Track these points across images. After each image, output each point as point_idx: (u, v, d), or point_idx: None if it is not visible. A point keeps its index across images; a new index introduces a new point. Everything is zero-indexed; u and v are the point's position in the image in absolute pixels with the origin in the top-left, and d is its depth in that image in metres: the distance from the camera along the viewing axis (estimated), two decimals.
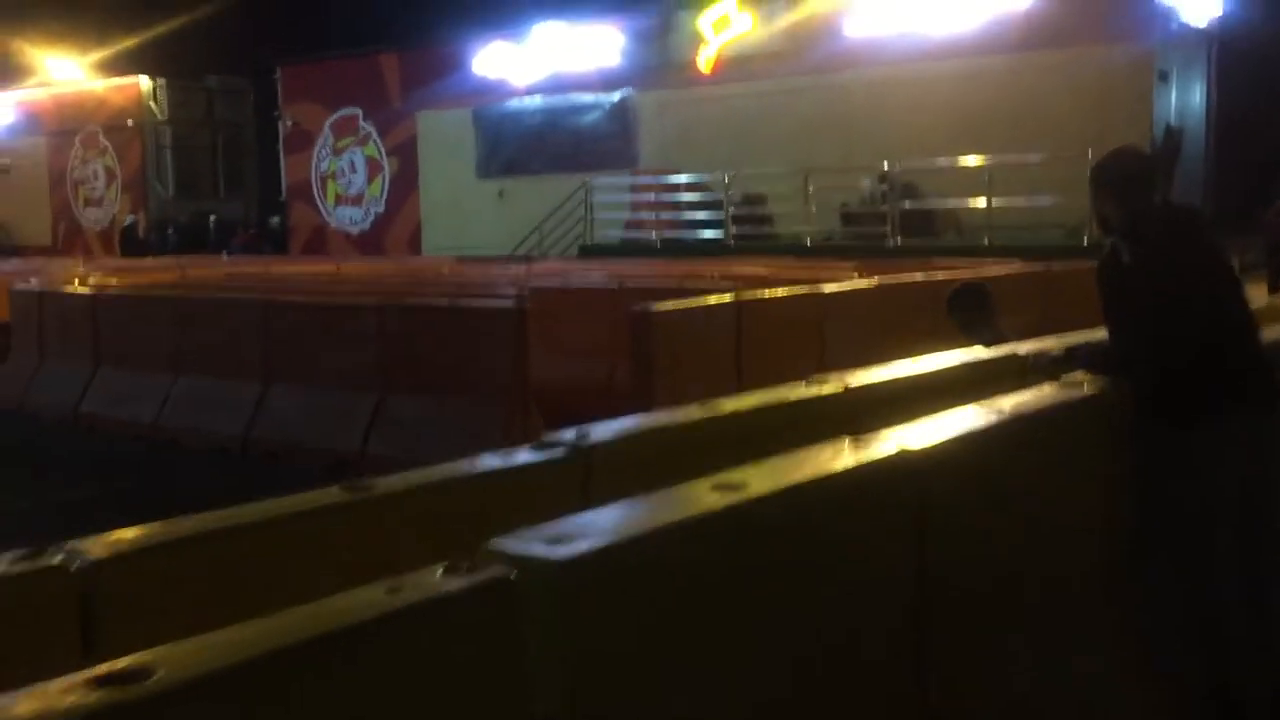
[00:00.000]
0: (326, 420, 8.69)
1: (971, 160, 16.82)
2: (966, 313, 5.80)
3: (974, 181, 16.61)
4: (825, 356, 9.32)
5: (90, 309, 10.58)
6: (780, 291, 9.15)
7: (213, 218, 28.77)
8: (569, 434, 2.96)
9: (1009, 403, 3.31)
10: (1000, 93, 17.80)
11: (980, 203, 16.38)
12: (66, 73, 32.79)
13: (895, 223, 17.17)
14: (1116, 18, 17.10)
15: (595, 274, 13.11)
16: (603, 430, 3.03)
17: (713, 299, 8.41)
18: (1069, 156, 15.36)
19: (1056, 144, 16.05)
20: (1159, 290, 3.57)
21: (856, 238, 18.12)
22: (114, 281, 12.87)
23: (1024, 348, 4.78)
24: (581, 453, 2.89)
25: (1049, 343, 4.52)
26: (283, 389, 9.08)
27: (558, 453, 2.86)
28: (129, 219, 27.93)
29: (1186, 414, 3.57)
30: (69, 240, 32.09)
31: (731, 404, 3.60)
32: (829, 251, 16.74)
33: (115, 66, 32.05)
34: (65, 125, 32.05)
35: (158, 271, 16.15)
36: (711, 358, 8.20)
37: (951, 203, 17.39)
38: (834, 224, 18.83)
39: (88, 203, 31.85)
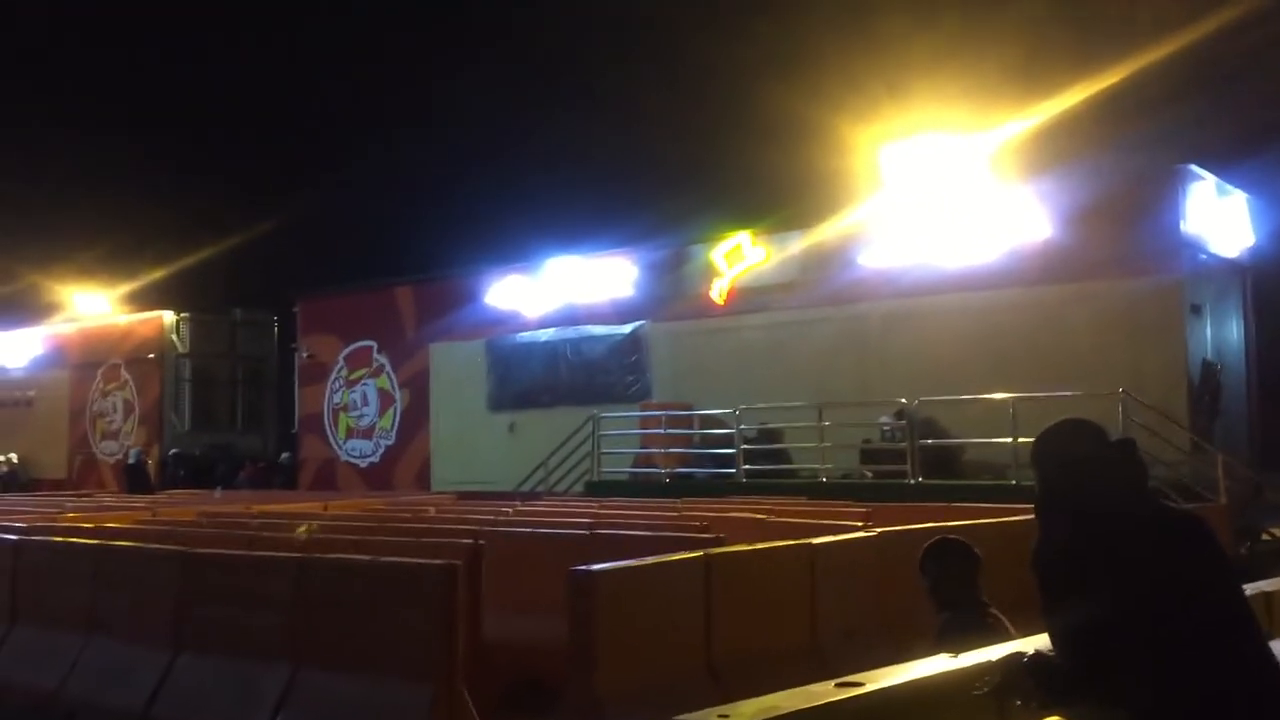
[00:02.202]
0: (233, 696, 7.51)
1: (996, 396, 15.80)
2: (938, 574, 4.89)
3: (999, 418, 15.51)
4: (818, 621, 8.12)
5: (11, 557, 9.60)
6: (760, 546, 8.01)
7: (170, 452, 28.01)
8: None
9: None
10: (1023, 326, 17.00)
11: (1006, 440, 15.23)
12: (94, 307, 33.16)
13: (916, 461, 16.02)
14: (1140, 249, 16.40)
15: (579, 516, 12.04)
16: None
17: (677, 556, 7.29)
18: (1101, 394, 14.41)
19: (1086, 379, 15.06)
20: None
21: (876, 476, 16.98)
22: (63, 522, 11.98)
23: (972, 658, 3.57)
24: None
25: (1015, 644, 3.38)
26: (191, 658, 7.94)
27: None
28: (134, 453, 27.39)
29: None
30: (84, 473, 31.63)
31: None
32: (846, 491, 15.59)
33: (144, 300, 32.42)
34: (89, 359, 32.12)
35: (132, 510, 15.25)
36: (673, 626, 7.03)
37: (976, 440, 16.24)
38: (853, 461, 17.74)
39: (105, 435, 31.53)
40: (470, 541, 8.48)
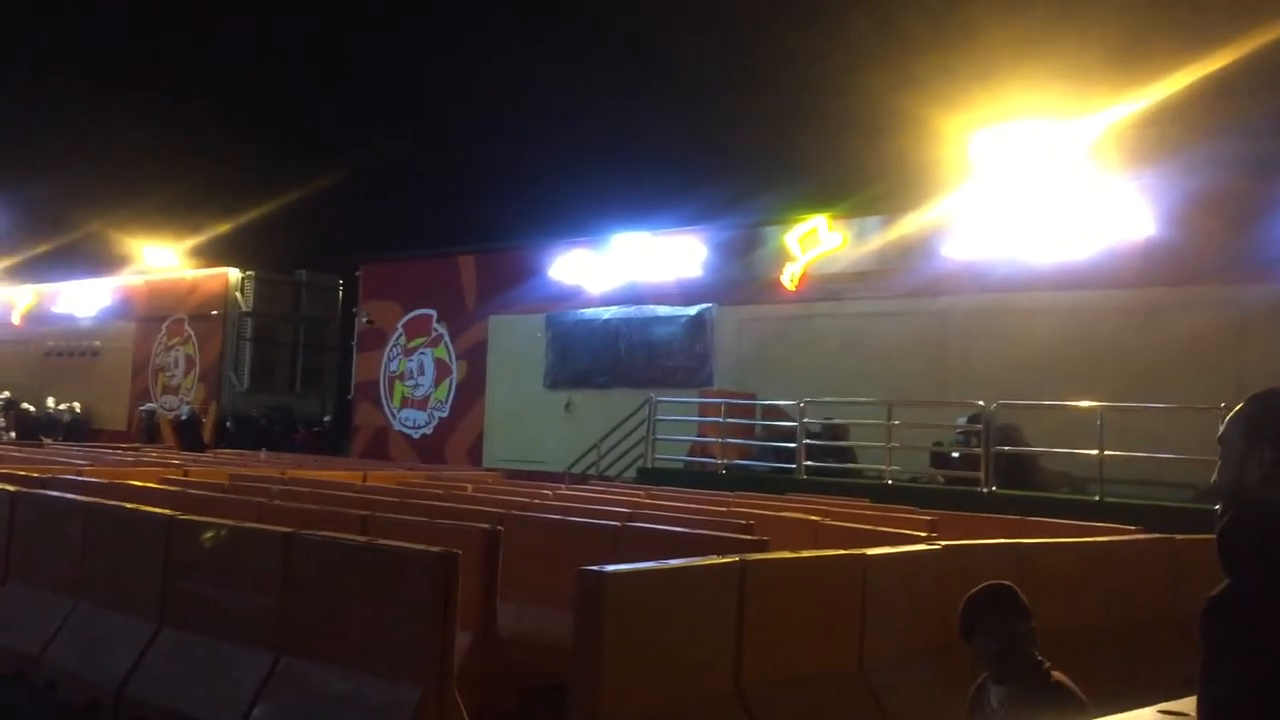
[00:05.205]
0: (209, 680, 6.79)
1: (1082, 404, 14.60)
2: (1006, 634, 3.87)
3: (1085, 428, 14.33)
4: (866, 644, 7.18)
5: (7, 511, 9.01)
6: (805, 554, 7.07)
7: (209, 416, 27.57)
8: None
9: None
10: (1117, 330, 15.78)
11: (1091, 452, 14.04)
12: (162, 261, 33.06)
13: (990, 468, 14.89)
14: (1250, 254, 15.06)
15: (619, 504, 11.20)
16: None
17: (708, 561, 6.38)
18: (1199, 408, 13.16)
19: (1181, 392, 13.85)
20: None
21: (947, 482, 15.87)
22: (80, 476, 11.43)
23: None
24: None
25: None
26: (174, 633, 7.24)
27: None
28: (185, 409, 27.14)
29: None
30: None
31: None
32: (913, 496, 14.53)
33: (211, 254, 32.27)
34: (155, 312, 32.05)
35: (165, 468, 14.74)
36: (698, 640, 6.13)
37: (1057, 450, 15.03)
38: (923, 464, 16.64)
39: (165, 389, 31.41)
40: (486, 527, 7.67)
